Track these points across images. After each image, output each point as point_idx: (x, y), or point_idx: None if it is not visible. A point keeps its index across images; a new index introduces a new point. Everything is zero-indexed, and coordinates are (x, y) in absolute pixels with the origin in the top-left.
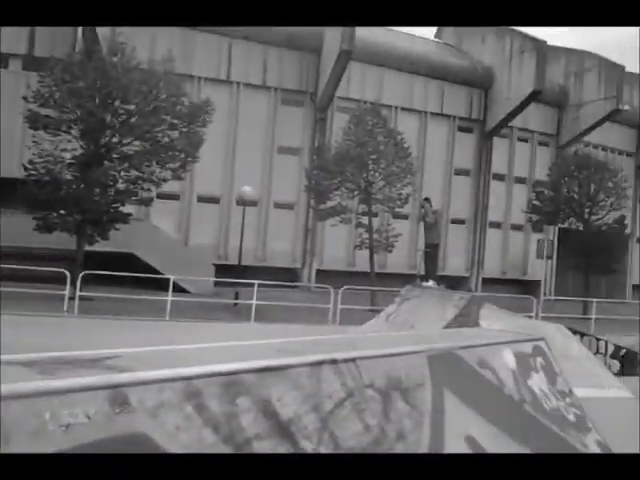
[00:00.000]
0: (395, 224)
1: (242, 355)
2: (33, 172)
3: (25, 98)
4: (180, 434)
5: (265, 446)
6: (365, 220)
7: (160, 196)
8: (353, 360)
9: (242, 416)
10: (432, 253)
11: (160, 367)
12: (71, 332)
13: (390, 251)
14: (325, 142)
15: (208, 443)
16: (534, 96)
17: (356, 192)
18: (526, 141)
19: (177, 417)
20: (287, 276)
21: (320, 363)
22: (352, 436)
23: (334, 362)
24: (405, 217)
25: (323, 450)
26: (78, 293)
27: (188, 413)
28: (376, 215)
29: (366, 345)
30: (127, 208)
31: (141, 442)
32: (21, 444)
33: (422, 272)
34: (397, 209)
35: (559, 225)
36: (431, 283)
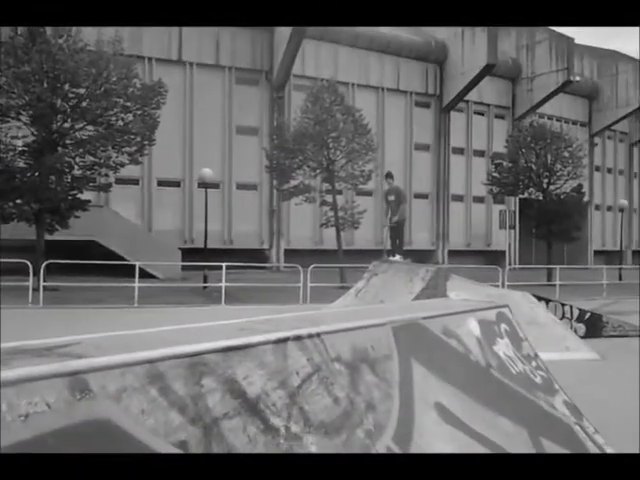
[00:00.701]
0: (359, 200)
1: (204, 336)
2: None
3: None
4: (146, 418)
5: (234, 424)
6: (329, 198)
7: (119, 181)
8: (318, 335)
9: (208, 396)
10: (397, 228)
11: (120, 352)
12: (37, 323)
13: (356, 228)
14: (284, 121)
15: (175, 425)
16: (488, 70)
17: (318, 170)
18: (482, 114)
19: (141, 401)
20: (255, 257)
21: (284, 340)
22: (321, 410)
23: (298, 338)
24: (369, 193)
25: (293, 426)
26: (42, 283)
27: (153, 396)
28: (340, 193)
29: (330, 320)
30: (86, 195)
31: (105, 427)
32: None
33: (388, 247)
34: (360, 186)
35: (519, 196)
36: (398, 257)
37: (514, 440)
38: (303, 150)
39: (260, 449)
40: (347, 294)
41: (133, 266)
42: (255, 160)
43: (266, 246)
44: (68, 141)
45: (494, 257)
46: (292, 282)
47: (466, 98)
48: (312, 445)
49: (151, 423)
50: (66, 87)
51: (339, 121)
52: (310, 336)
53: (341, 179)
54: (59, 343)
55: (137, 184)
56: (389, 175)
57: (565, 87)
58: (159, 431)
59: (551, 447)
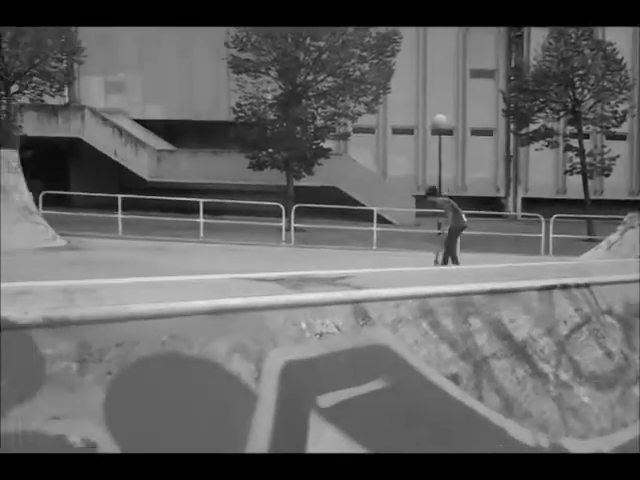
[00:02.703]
0: (610, 145)
1: (469, 278)
2: (241, 114)
3: (226, 44)
4: (419, 348)
5: (503, 365)
6: (575, 143)
7: (356, 130)
8: (587, 285)
9: (476, 335)
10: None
11: (393, 286)
12: (292, 259)
13: (607, 175)
14: (523, 61)
15: (446, 359)
16: None
17: (562, 113)
18: None
19: (414, 332)
20: (490, 206)
21: (551, 287)
22: (592, 361)
23: (565, 287)
24: (622, 137)
25: (562, 374)
26: (293, 225)
27: (424, 329)
28: (587, 137)
29: (597, 271)
30: (327, 143)
31: (385, 354)
32: (286, 348)
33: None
34: (612, 129)
35: None
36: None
37: None
38: (545, 91)
39: (529, 392)
40: (597, 247)
41: (370, 211)
42: (491, 104)
43: (502, 194)
44: (311, 93)
45: None
46: (530, 232)
47: None
48: (584, 397)
49: (424, 353)
50: (307, 41)
51: (587, 57)
52: (578, 286)
53: (589, 121)
54: (338, 275)
55: (372, 132)
56: (431, 192)
57: None
58: (432, 362)
59: None
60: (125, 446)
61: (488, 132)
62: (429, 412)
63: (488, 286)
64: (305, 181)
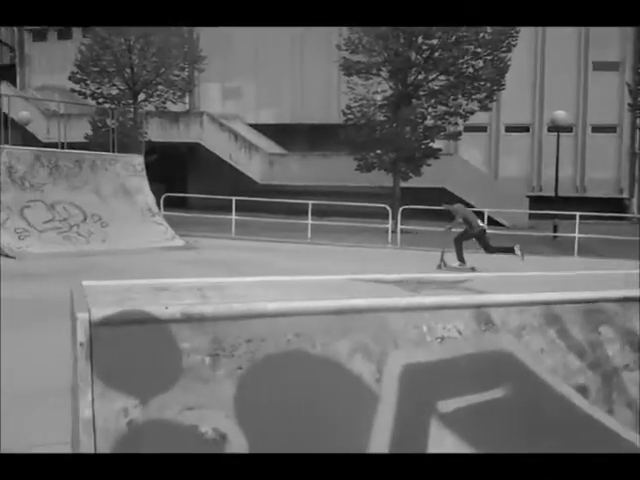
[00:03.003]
0: None
1: (599, 283)
2: (351, 116)
3: (338, 46)
4: (545, 357)
5: (636, 377)
6: None
7: (467, 129)
8: None
9: (607, 345)
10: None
11: (514, 290)
12: (406, 261)
13: None
14: None
15: (573, 368)
16: None
17: None
18: None
19: (540, 340)
20: (612, 207)
21: None
22: None
23: None
24: None
25: None
26: (399, 226)
27: (551, 337)
28: None
29: None
30: (436, 143)
31: (509, 361)
32: (407, 351)
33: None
34: None
35: None
36: (457, 264)
37: None
38: None
39: None
40: None
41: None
42: (614, 99)
43: (626, 195)
44: (421, 92)
45: None
46: None
47: None
48: None
49: (550, 363)
50: (420, 40)
51: None
52: None
53: None
54: (458, 278)
55: (485, 131)
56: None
57: None
58: (558, 372)
59: None
60: (252, 439)
61: (611, 129)
62: (554, 423)
63: (620, 293)
64: (412, 182)
